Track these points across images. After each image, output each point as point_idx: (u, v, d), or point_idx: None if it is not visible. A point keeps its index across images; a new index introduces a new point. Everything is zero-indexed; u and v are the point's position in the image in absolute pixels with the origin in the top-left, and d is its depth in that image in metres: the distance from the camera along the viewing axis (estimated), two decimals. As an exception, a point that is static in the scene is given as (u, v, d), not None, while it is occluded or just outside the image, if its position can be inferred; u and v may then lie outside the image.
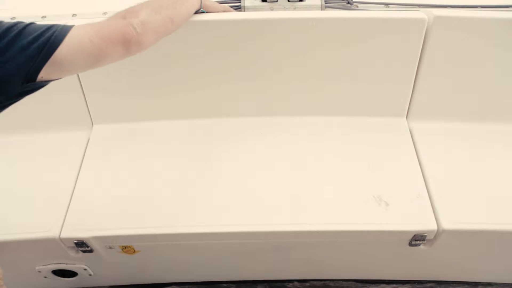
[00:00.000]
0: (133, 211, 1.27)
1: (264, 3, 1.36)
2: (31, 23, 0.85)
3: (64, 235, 1.22)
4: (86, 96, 1.44)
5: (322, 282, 1.65)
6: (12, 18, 1.39)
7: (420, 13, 1.28)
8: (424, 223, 1.23)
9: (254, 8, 1.36)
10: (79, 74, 1.39)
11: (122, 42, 0.94)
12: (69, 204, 1.29)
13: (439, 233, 1.22)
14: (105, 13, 1.39)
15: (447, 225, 1.22)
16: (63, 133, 1.49)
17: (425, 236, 1.23)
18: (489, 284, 1.62)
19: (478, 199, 1.28)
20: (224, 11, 1.30)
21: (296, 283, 1.65)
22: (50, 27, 0.86)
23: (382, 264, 1.49)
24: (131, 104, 1.48)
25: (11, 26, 0.83)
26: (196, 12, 1.23)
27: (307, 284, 1.65)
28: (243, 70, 1.39)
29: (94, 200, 1.30)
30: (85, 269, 1.42)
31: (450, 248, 1.31)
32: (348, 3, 1.38)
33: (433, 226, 1.22)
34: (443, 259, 1.41)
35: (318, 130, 1.46)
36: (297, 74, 1.40)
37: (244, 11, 1.37)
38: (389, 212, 1.25)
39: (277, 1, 1.36)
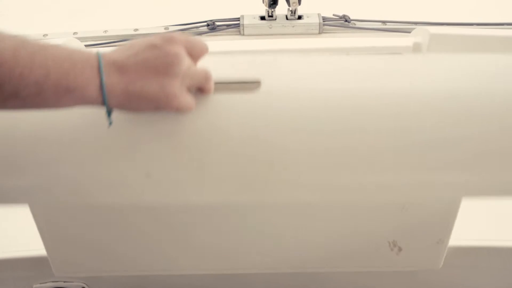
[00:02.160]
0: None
1: (263, 21, 1.42)
2: None
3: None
4: None
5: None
6: (44, 35, 1.41)
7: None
8: (432, 265, 1.11)
9: (253, 26, 1.41)
10: None
11: None
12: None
13: (440, 250, 1.20)
14: (136, 30, 1.40)
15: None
16: None
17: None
18: (491, 301, 1.60)
19: (480, 215, 1.27)
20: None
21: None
22: None
23: (380, 283, 1.47)
24: None
25: None
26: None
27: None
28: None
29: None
30: (83, 287, 1.41)
31: (451, 265, 1.29)
32: (346, 21, 1.40)
33: (438, 265, 1.09)
34: (444, 277, 1.39)
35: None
36: None
37: (243, 29, 1.41)
38: (400, 257, 1.07)
39: (275, 20, 1.39)
